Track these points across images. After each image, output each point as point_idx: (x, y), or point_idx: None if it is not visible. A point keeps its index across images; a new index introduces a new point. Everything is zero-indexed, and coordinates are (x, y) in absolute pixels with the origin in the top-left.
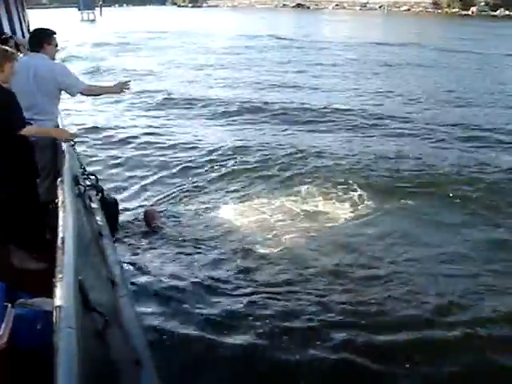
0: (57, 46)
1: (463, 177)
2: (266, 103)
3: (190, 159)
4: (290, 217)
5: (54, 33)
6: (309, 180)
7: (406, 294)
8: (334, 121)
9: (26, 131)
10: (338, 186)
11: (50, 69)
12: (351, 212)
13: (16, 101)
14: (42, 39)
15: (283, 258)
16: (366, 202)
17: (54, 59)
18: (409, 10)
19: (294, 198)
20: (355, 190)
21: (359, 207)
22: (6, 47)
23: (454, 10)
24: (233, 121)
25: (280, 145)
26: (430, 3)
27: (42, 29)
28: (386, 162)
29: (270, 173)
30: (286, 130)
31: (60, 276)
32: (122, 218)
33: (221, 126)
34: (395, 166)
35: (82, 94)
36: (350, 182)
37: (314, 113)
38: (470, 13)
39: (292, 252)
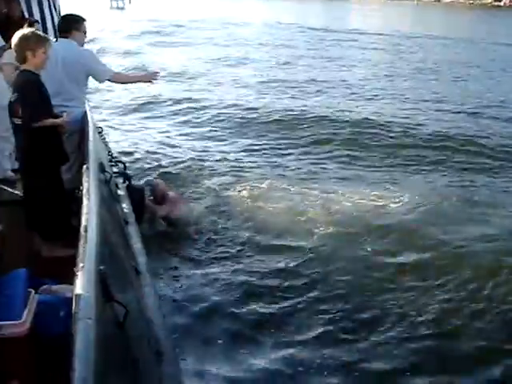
0: (85, 32)
1: None
2: (303, 111)
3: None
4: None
5: (84, 19)
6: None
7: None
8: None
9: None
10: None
11: (78, 55)
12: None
13: (30, 91)
14: (71, 25)
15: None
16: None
17: (82, 46)
18: (439, 0)
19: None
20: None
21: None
22: (40, 32)
23: (486, 1)
24: (267, 131)
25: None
26: None
27: (71, 15)
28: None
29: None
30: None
31: (81, 265)
32: None
33: (250, 133)
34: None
35: (110, 81)
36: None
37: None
38: (501, 4)
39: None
